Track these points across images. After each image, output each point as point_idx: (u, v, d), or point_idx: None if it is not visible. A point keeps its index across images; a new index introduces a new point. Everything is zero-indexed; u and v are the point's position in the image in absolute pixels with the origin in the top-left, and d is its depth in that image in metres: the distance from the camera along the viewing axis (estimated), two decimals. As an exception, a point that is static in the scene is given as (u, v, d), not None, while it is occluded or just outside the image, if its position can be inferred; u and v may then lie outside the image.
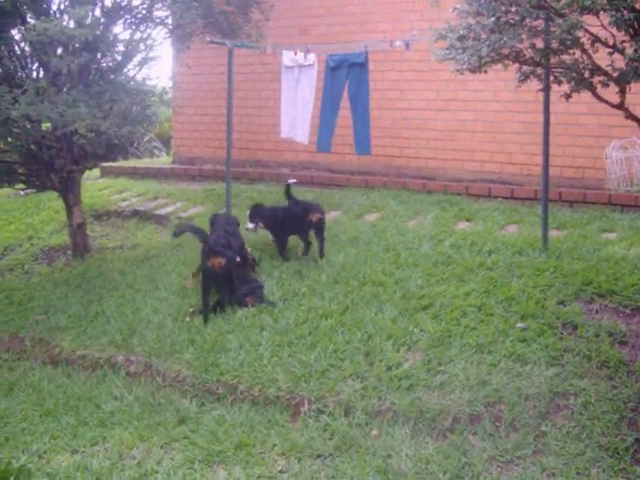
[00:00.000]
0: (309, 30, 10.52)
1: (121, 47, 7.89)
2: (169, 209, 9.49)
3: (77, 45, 7.27)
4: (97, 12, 7.74)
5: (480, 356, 4.95)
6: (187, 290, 6.73)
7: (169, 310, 6.35)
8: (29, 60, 7.97)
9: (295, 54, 7.97)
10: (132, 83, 7.78)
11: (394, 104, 9.83)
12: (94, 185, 11.16)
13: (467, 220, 7.84)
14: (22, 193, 11.17)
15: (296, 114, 8.26)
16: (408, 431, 4.39)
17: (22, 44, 7.81)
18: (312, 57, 7.97)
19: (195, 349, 5.61)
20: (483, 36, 4.59)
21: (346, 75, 7.82)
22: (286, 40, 9.52)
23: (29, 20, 7.36)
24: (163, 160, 14.12)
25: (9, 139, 7.72)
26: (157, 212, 9.44)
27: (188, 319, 6.16)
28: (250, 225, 7.18)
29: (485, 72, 4.97)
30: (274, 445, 4.47)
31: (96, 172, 11.82)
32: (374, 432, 4.46)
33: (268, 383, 5.02)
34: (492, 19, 4.50)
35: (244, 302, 6.19)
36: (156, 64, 8.38)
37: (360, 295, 6.01)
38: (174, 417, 5.02)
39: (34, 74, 7.97)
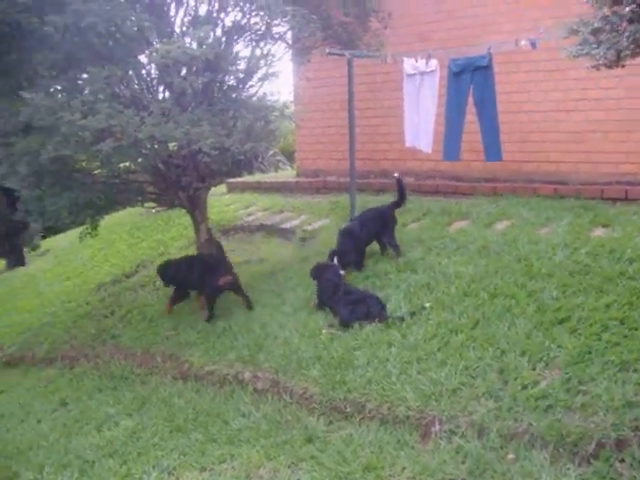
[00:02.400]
0: (429, 36, 10.27)
1: (242, 64, 7.96)
2: (294, 222, 9.50)
3: (199, 65, 7.38)
4: (218, 32, 7.84)
5: (625, 374, 4.54)
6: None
7: (295, 326, 6.30)
8: (155, 82, 8.17)
9: (416, 61, 7.78)
10: (254, 99, 7.82)
11: (521, 107, 9.41)
12: (221, 200, 11.37)
13: (604, 226, 7.30)
14: (153, 211, 11.55)
15: (419, 122, 8.08)
16: (547, 456, 4.08)
17: (148, 67, 8.03)
18: (434, 63, 7.76)
19: (322, 366, 5.51)
20: (621, 27, 4.23)
21: (470, 79, 7.52)
22: (405, 48, 9.33)
23: (153, 43, 7.55)
24: (287, 174, 14.24)
25: (139, 160, 7.93)
26: (282, 226, 9.47)
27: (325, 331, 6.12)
28: None
29: (623, 67, 4.60)
30: (404, 468, 4.27)
31: (222, 188, 12.06)
32: (510, 456, 4.17)
33: (397, 401, 4.83)
34: (630, 7, 4.14)
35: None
36: (276, 79, 8.41)
37: (491, 309, 5.70)
38: (301, 435, 4.93)
39: (160, 95, 8.17)
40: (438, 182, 10.10)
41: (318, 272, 6.78)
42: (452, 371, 4.97)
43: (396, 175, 8.02)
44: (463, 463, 4.22)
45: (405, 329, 5.67)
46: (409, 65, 7.95)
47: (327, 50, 7.64)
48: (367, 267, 7.18)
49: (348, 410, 5.03)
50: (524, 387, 4.65)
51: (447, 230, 7.93)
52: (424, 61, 7.72)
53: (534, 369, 4.82)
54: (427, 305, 6.05)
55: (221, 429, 5.30)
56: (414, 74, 7.98)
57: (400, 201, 7.87)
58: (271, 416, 5.31)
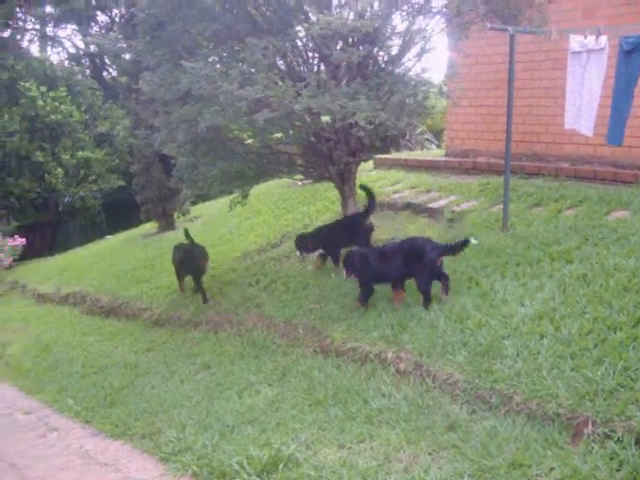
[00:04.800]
0: (594, 12, 9.66)
1: (398, 39, 7.80)
2: (442, 202, 9.26)
3: (357, 38, 7.29)
4: (375, 5, 7.71)
5: None
6: (461, 287, 6.45)
7: (442, 308, 6.12)
8: (310, 55, 8.16)
9: (585, 37, 7.31)
10: (410, 75, 7.67)
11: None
12: (367, 177, 11.28)
13: None
14: (299, 183, 11.62)
15: (582, 103, 7.60)
16: None
17: (304, 39, 8.01)
18: (603, 40, 7.25)
19: (468, 352, 5.31)
20: None
21: (642, 59, 6.99)
22: (568, 24, 8.82)
23: (310, 16, 7.52)
24: (435, 152, 13.96)
25: (291, 132, 7.97)
26: (430, 205, 9.26)
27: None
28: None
29: None
30: (552, 468, 4.02)
31: (369, 164, 11.96)
32: (674, 469, 3.85)
33: (547, 397, 4.57)
34: None
35: None
36: (431, 55, 8.20)
37: (655, 306, 5.30)
38: (443, 422, 4.78)
39: (315, 68, 8.15)
40: (596, 168, 9.53)
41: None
42: (609, 371, 4.62)
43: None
44: (618, 471, 3.92)
45: (559, 321, 5.37)
46: (576, 42, 7.47)
47: (488, 25, 7.31)
48: (518, 254, 6.86)
49: (493, 401, 4.82)
50: (692, 394, 4.28)
51: (605, 219, 7.46)
52: (593, 37, 7.23)
53: None
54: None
55: (361, 407, 5.24)
56: (580, 52, 7.49)
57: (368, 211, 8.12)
58: (412, 399, 5.18)
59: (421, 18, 7.99)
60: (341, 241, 8.07)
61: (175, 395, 6.56)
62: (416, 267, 6.46)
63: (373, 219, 8.51)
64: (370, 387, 5.50)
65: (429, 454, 4.43)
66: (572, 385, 4.58)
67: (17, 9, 26.64)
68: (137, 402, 6.70)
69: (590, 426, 4.27)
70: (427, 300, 6.38)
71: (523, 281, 6.26)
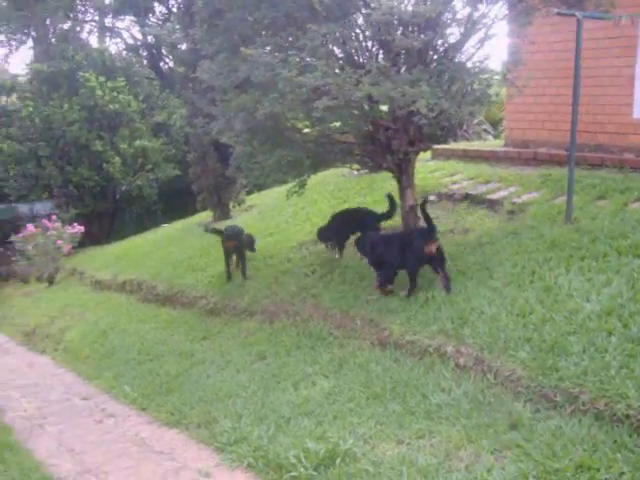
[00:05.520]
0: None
1: (460, 26, 7.61)
2: (502, 193, 9.04)
3: (418, 24, 7.13)
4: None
5: None
6: (524, 281, 6.26)
7: (503, 302, 5.94)
8: (370, 42, 8.01)
9: (658, 23, 7.04)
10: (471, 62, 7.48)
11: None
12: (425, 167, 11.11)
13: None
14: (355, 173, 11.50)
15: (652, 92, 7.34)
16: None
17: (363, 27, 7.87)
18: (678, 25, 6.98)
19: (532, 348, 5.14)
20: None
21: None
22: (636, 9, 8.48)
23: (369, 2, 7.38)
24: (494, 143, 13.68)
25: (349, 120, 7.86)
26: (489, 196, 9.04)
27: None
28: None
29: None
30: (622, 473, 3.83)
31: (426, 154, 11.77)
32: None
33: (616, 397, 4.38)
34: None
35: None
36: (492, 42, 7.99)
37: None
38: (505, 420, 4.63)
39: (374, 56, 8.01)
40: (664, 159, 9.20)
41: None
42: (683, 370, 4.45)
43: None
44: (694, 475, 3.75)
45: (627, 318, 5.16)
46: (647, 28, 7.21)
47: (555, 10, 7.07)
48: (583, 248, 6.63)
49: (558, 399, 4.65)
50: None
51: (676, 213, 7.19)
52: (667, 23, 6.95)
53: None
54: None
55: (419, 402, 5.13)
56: (652, 38, 7.23)
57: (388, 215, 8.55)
58: (473, 395, 5.04)
59: (483, 4, 7.78)
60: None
61: (231, 385, 6.54)
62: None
63: (432, 209, 8.33)
64: (429, 382, 5.38)
65: (491, 453, 4.30)
66: (643, 385, 4.40)
67: (77, 1, 27.09)
68: (192, 391, 6.70)
69: (662, 429, 4.09)
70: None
71: (589, 276, 6.04)
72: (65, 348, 10.14)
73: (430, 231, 6.84)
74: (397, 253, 7.03)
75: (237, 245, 9.69)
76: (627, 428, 4.21)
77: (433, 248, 6.72)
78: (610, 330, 5.06)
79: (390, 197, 8.62)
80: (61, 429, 6.63)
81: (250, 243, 10.13)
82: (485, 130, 18.54)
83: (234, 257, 9.80)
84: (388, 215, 8.65)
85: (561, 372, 4.78)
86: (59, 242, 15.73)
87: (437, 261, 6.77)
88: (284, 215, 11.60)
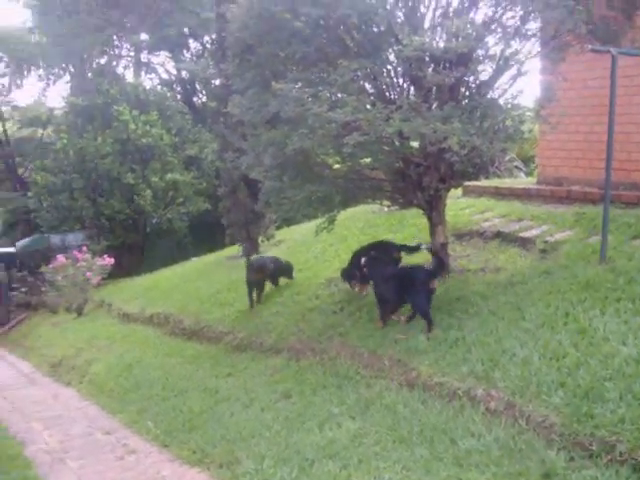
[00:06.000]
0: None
1: (492, 62, 7.55)
2: (534, 232, 8.87)
3: (449, 60, 7.08)
4: (468, 29, 7.50)
5: None
6: (557, 323, 6.08)
7: (536, 345, 5.74)
8: (401, 78, 7.98)
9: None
10: (504, 99, 7.40)
11: None
12: (456, 204, 10.98)
13: None
14: (386, 209, 11.40)
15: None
16: None
17: (394, 63, 7.85)
18: None
19: (565, 393, 4.94)
20: None
21: None
22: (671, 47, 8.37)
23: (400, 39, 7.37)
24: (526, 181, 13.53)
25: (380, 156, 7.80)
26: (521, 234, 8.87)
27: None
28: None
29: None
30: (661, 527, 3.67)
31: (457, 191, 11.66)
32: None
33: (655, 447, 4.20)
34: None
35: None
36: (525, 79, 7.91)
37: None
38: (537, 469, 4.42)
39: (405, 92, 7.97)
40: (700, 198, 8.99)
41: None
42: None
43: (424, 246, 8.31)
44: None
45: (666, 362, 4.96)
46: (683, 65, 7.07)
47: (589, 46, 6.98)
48: (619, 289, 6.42)
49: (594, 448, 4.43)
50: None
51: None
52: None
53: None
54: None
55: (448, 447, 4.95)
56: (688, 75, 7.09)
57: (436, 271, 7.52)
58: (504, 441, 4.85)
59: (516, 41, 7.72)
60: None
61: (254, 423, 6.41)
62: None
63: (462, 247, 8.24)
64: (458, 426, 5.19)
65: (523, 503, 4.12)
66: (683, 435, 4.19)
67: (114, 37, 27.63)
68: (216, 428, 6.59)
69: None
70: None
71: (625, 318, 5.83)
72: (90, 380, 10.10)
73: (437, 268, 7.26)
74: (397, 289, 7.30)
75: (260, 278, 10.12)
76: (667, 481, 4.01)
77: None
78: (648, 376, 4.86)
79: (419, 245, 8.59)
80: (82, 464, 6.55)
81: (288, 271, 10.40)
82: (517, 167, 18.37)
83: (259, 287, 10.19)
84: (410, 248, 8.64)
85: (597, 419, 4.58)
86: (88, 274, 15.83)
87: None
88: (313, 251, 11.52)
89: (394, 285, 7.33)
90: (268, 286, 10.37)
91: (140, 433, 7.19)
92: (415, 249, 8.56)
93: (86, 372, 10.56)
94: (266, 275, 10.22)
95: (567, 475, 4.30)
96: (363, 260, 7.97)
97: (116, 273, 17.67)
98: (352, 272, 8.72)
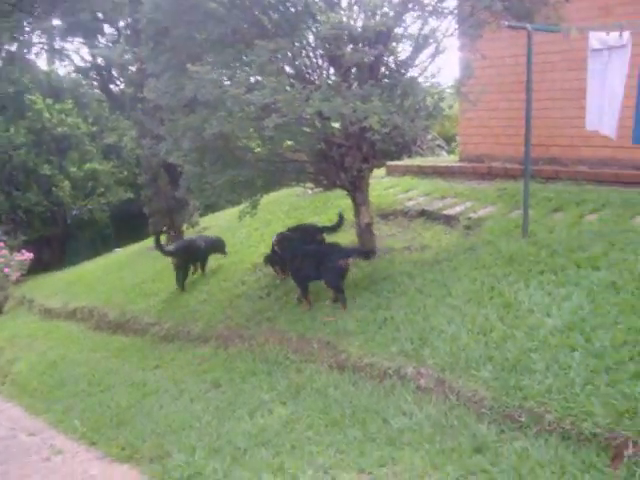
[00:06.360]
0: (612, 10, 9.36)
1: (410, 40, 7.53)
2: (458, 209, 8.95)
3: (368, 39, 7.02)
4: (385, 7, 7.45)
5: None
6: (483, 297, 6.12)
7: (463, 320, 5.78)
8: (319, 57, 7.89)
9: (607, 34, 7.01)
10: (424, 77, 7.40)
11: None
12: (380, 184, 10.99)
13: None
14: (310, 192, 11.34)
15: (603, 103, 7.30)
16: None
17: (313, 42, 7.75)
18: (626, 36, 6.94)
19: (494, 367, 4.97)
20: None
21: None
22: (584, 23, 8.48)
23: (318, 18, 7.27)
24: (448, 159, 13.67)
25: (300, 138, 7.70)
26: (445, 212, 8.95)
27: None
28: None
29: None
30: (592, 495, 3.71)
31: (381, 171, 11.68)
32: None
33: (582, 416, 4.24)
34: None
35: None
36: (444, 57, 7.94)
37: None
38: (469, 443, 4.44)
39: (324, 72, 7.88)
40: (617, 171, 9.22)
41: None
42: (649, 385, 4.31)
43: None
44: (665, 495, 3.61)
45: (590, 333, 5.04)
46: (596, 39, 7.17)
47: (506, 23, 7.02)
48: (541, 261, 6.54)
49: (523, 420, 4.48)
50: None
51: (631, 223, 7.16)
52: (616, 34, 6.93)
53: None
54: None
55: (380, 428, 4.92)
56: (601, 49, 7.19)
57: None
58: (435, 418, 4.85)
59: (433, 19, 7.71)
60: None
61: (184, 415, 6.25)
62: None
63: (388, 226, 8.24)
64: (390, 405, 5.17)
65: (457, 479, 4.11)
66: (609, 402, 4.26)
67: (24, 22, 26.58)
68: (144, 423, 6.40)
69: (631, 447, 3.95)
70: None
71: (548, 290, 5.93)
72: (13, 381, 9.71)
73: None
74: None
75: (180, 261, 10.10)
76: (595, 447, 4.06)
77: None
78: (573, 345, 4.94)
79: (340, 214, 8.79)
80: (5, 469, 6.26)
81: (221, 246, 10.45)
82: (439, 146, 18.55)
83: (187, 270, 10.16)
84: (333, 228, 8.74)
85: (525, 391, 4.63)
86: (6, 270, 15.26)
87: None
88: (238, 236, 11.37)
89: (307, 263, 7.41)
90: (194, 273, 10.21)
91: (66, 432, 6.92)
92: (336, 227, 8.63)
93: (8, 372, 10.14)
94: (197, 255, 10.24)
95: (499, 448, 4.32)
96: (274, 239, 8.09)
97: (37, 268, 17.11)
98: (274, 257, 8.65)
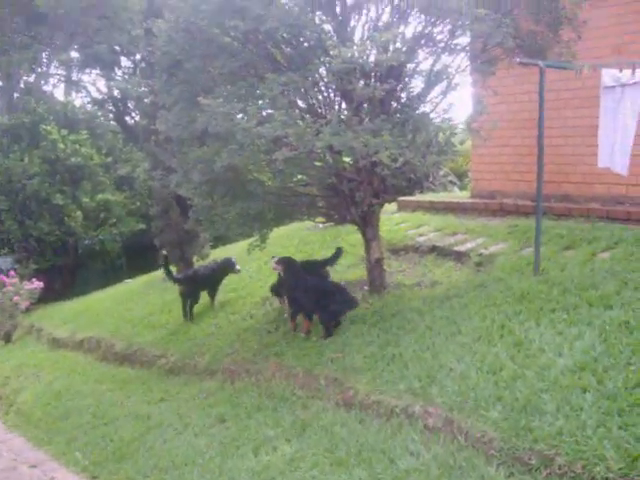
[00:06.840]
0: (624, 48, 9.37)
1: (422, 76, 7.55)
2: (469, 245, 8.89)
3: (380, 73, 7.04)
4: (397, 43, 7.49)
5: None
6: (493, 336, 6.02)
7: (473, 359, 5.67)
8: (331, 92, 7.90)
9: (620, 71, 6.99)
10: (436, 112, 7.39)
11: None
12: (391, 219, 10.96)
13: None
14: (320, 226, 11.32)
15: (615, 141, 7.26)
16: None
17: (325, 76, 7.77)
18: (639, 73, 6.93)
19: (504, 407, 4.85)
20: None
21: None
22: (595, 61, 8.50)
23: (331, 53, 7.30)
24: (460, 195, 13.63)
25: (311, 172, 7.69)
26: (456, 248, 8.88)
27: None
28: None
29: None
30: (603, 543, 3.58)
31: (392, 206, 11.64)
32: None
33: (594, 459, 4.10)
34: None
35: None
36: (456, 93, 7.94)
37: None
38: (477, 486, 4.34)
39: (335, 106, 7.89)
40: (629, 209, 9.14)
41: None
42: (663, 430, 4.19)
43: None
44: None
45: (602, 373, 4.93)
46: (609, 76, 7.16)
47: (518, 59, 7.03)
48: (553, 300, 6.43)
49: (533, 462, 4.35)
50: None
51: (644, 262, 7.06)
52: (628, 71, 6.91)
53: None
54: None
55: (386, 468, 4.79)
56: (614, 86, 7.17)
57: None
58: (443, 459, 4.73)
59: (446, 55, 7.73)
60: None
61: (187, 450, 6.16)
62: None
63: (398, 262, 8.17)
64: (397, 445, 5.05)
65: (463, 524, 4.00)
66: (621, 445, 4.12)
67: (42, 54, 26.96)
68: (147, 457, 6.32)
69: (644, 494, 3.82)
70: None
71: (560, 329, 5.82)
72: (17, 411, 9.66)
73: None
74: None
75: (188, 289, 10.12)
76: (608, 493, 3.94)
77: None
78: (584, 386, 4.81)
79: (338, 248, 8.80)
80: (4, 502, 6.19)
81: (231, 265, 10.37)
82: (451, 182, 18.52)
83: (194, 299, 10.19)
84: (330, 260, 8.68)
85: (535, 433, 4.50)
86: (16, 298, 15.25)
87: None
88: (248, 270, 11.32)
89: (307, 296, 7.54)
90: (203, 305, 10.14)
91: (68, 465, 6.84)
92: (332, 261, 8.61)
93: (13, 402, 10.10)
94: (205, 282, 10.23)
95: (507, 491, 4.21)
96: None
97: (47, 297, 17.06)
98: (280, 289, 8.61)
